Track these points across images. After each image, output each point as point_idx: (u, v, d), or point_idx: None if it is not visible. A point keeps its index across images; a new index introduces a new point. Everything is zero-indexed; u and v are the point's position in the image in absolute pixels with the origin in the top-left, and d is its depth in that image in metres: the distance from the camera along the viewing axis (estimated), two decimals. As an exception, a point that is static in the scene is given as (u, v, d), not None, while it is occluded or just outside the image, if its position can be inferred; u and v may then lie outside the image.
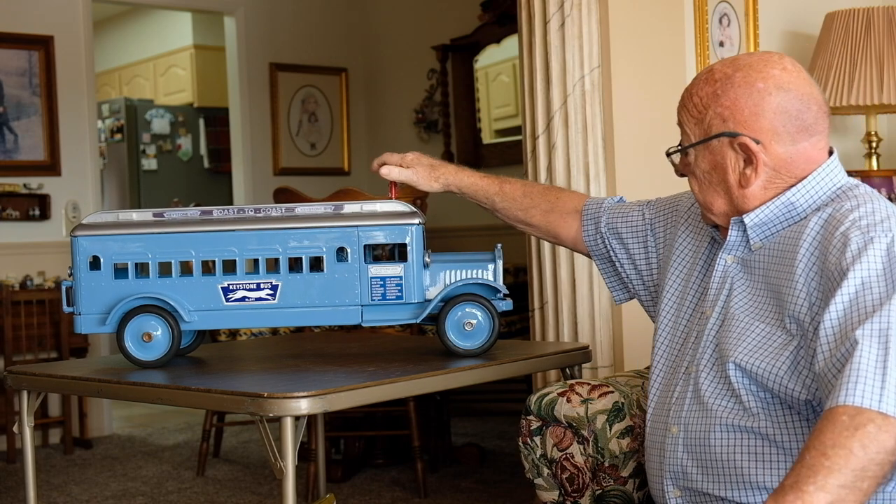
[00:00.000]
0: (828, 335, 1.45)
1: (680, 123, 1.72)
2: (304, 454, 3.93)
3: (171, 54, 8.54)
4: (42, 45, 5.53)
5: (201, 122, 8.37)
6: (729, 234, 1.71)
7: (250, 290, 1.92)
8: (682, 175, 1.76)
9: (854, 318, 1.43)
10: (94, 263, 1.96)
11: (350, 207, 1.91)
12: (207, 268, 1.93)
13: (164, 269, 1.95)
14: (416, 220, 1.91)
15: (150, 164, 8.24)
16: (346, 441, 4.39)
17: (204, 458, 4.55)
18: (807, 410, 1.56)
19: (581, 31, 2.93)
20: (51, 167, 5.56)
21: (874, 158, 3.38)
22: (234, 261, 1.91)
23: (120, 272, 1.96)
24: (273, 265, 1.92)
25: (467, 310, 1.92)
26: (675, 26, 2.89)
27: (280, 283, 1.91)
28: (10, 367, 2.08)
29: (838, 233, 1.53)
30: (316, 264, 1.92)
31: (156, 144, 8.27)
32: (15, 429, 2.06)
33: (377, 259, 1.96)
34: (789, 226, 1.64)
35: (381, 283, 1.91)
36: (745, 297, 1.66)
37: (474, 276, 1.94)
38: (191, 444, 5.24)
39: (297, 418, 1.59)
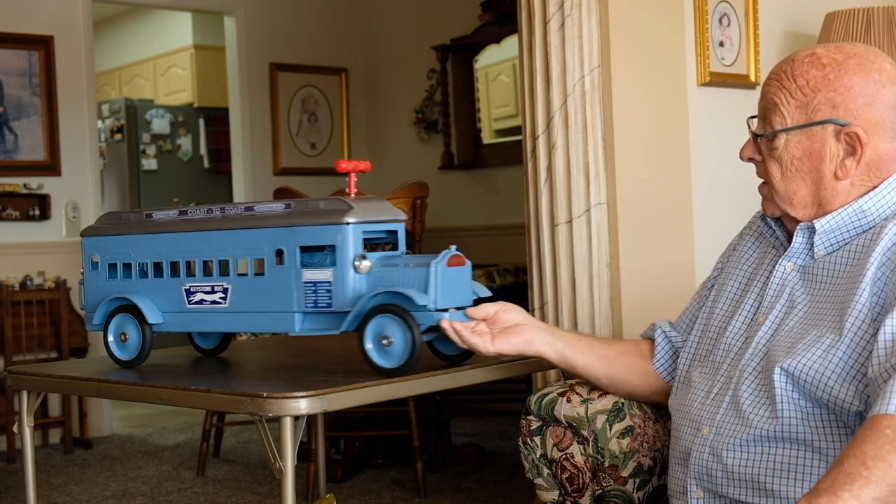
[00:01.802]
0: (886, 341, 1.42)
1: (772, 105, 1.63)
2: (304, 454, 3.93)
3: (171, 54, 8.54)
4: (42, 45, 5.53)
5: (201, 122, 8.37)
6: (794, 240, 1.65)
7: (206, 292, 1.87)
8: (749, 160, 1.69)
9: None
10: (95, 263, 2.01)
11: (297, 206, 1.80)
12: (176, 270, 1.92)
13: (145, 270, 1.97)
14: (351, 219, 1.72)
15: (150, 164, 8.25)
16: (346, 441, 4.39)
17: (204, 458, 4.55)
18: (855, 422, 1.50)
19: (581, 31, 2.93)
20: (51, 167, 5.56)
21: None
22: (194, 262, 1.88)
23: (112, 272, 2.00)
24: (227, 267, 1.86)
25: (384, 323, 1.70)
26: (675, 26, 2.89)
27: (230, 287, 1.84)
28: (10, 367, 2.09)
29: None
30: (262, 267, 1.83)
31: (156, 144, 8.27)
32: (15, 429, 2.06)
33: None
34: (857, 234, 1.60)
35: (314, 288, 1.75)
36: (804, 307, 1.61)
37: (407, 282, 1.71)
38: (191, 444, 5.24)
39: (296, 418, 1.59)
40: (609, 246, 2.96)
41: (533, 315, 3.12)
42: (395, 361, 1.70)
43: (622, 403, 1.91)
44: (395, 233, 1.80)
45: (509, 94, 6.04)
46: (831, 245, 1.62)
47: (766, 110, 1.65)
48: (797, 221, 1.66)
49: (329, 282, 1.73)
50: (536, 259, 3.08)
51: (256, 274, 1.81)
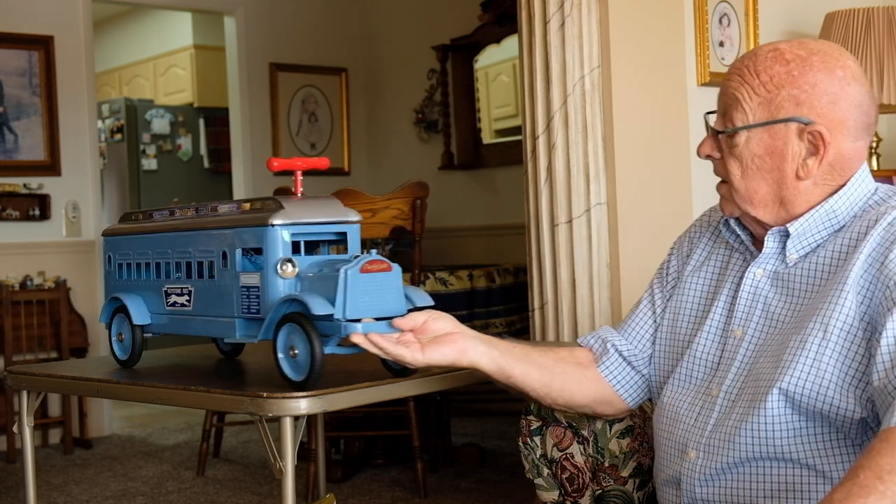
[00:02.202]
0: (890, 346, 1.39)
1: (733, 101, 1.56)
2: (304, 454, 3.93)
3: (171, 54, 8.55)
4: (42, 45, 5.53)
5: (201, 122, 8.37)
6: (766, 245, 1.58)
7: (177, 294, 1.85)
8: (707, 157, 1.63)
9: None
10: (110, 262, 2.04)
11: (245, 207, 1.75)
12: (159, 271, 1.92)
13: (141, 271, 1.97)
14: (277, 221, 1.63)
15: (150, 164, 8.25)
16: (346, 441, 4.39)
17: (204, 458, 4.55)
18: (857, 431, 1.45)
19: (581, 31, 2.93)
20: (51, 167, 5.56)
21: (874, 159, 3.38)
22: (169, 263, 1.88)
23: (121, 272, 2.02)
24: (191, 269, 1.83)
25: (290, 333, 1.61)
26: (675, 26, 2.89)
27: (192, 289, 1.81)
28: (10, 367, 2.09)
29: None
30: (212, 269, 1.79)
31: (156, 144, 8.27)
32: (15, 429, 2.06)
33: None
34: (828, 236, 1.55)
35: (247, 293, 1.68)
36: (785, 318, 1.55)
37: (319, 290, 1.60)
38: (191, 444, 5.24)
39: (296, 418, 1.59)
40: (609, 246, 2.96)
41: (533, 315, 3.13)
42: (301, 374, 1.60)
43: (622, 403, 1.90)
44: (345, 234, 1.70)
45: (509, 94, 6.04)
46: (803, 248, 1.56)
47: (727, 106, 1.58)
48: (758, 221, 1.60)
49: (258, 287, 1.66)
50: (536, 259, 3.08)
51: (210, 277, 1.78)
